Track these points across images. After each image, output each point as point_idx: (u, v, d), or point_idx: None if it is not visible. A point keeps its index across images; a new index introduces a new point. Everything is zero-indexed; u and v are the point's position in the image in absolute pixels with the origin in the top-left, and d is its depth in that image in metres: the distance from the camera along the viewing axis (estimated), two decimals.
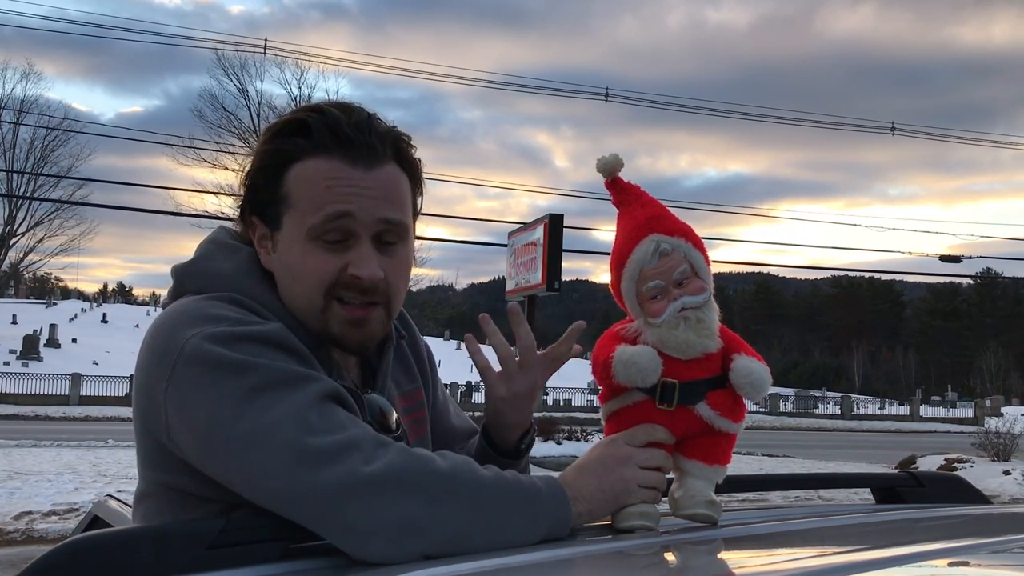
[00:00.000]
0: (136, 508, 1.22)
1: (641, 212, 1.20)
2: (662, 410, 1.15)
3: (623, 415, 1.19)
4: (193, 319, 1.11)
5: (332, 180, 1.17)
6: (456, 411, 1.55)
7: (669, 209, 1.22)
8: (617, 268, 1.20)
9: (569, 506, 1.09)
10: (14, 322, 59.03)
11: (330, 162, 1.17)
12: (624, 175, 1.24)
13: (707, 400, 1.16)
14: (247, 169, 1.23)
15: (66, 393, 35.26)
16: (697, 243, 1.19)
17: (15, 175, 44.94)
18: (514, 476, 1.08)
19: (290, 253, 1.19)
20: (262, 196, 1.21)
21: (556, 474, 1.16)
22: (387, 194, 1.19)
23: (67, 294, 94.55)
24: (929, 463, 15.95)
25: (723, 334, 1.18)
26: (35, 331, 51.35)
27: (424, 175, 1.29)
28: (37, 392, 35.31)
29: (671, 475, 1.21)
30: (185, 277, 1.23)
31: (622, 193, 1.23)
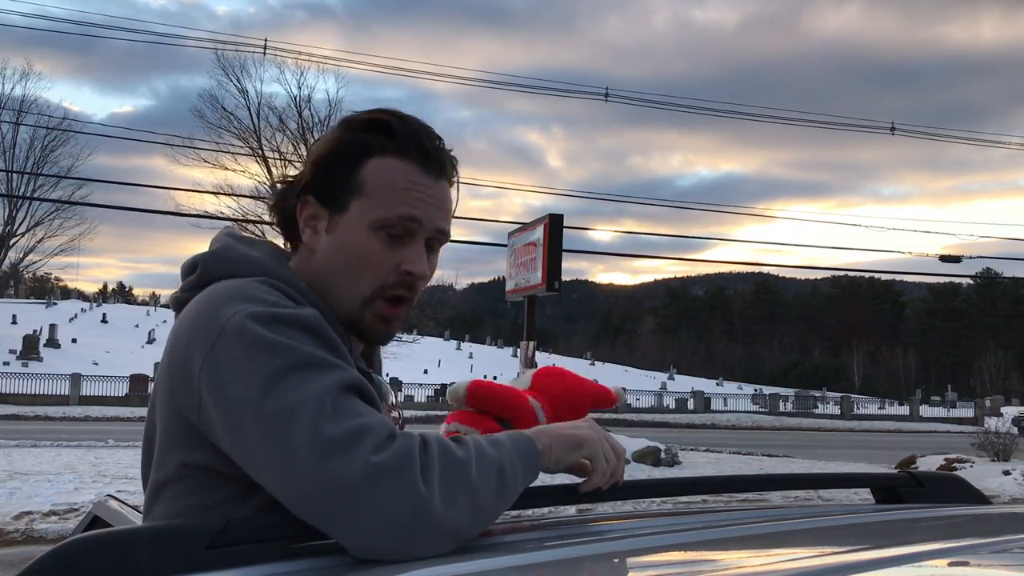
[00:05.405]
0: (155, 498, 1.20)
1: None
2: None
3: None
4: (235, 297, 1.14)
5: (411, 183, 1.25)
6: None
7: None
8: None
9: (535, 442, 1.14)
10: (14, 322, 59.06)
11: (409, 166, 1.25)
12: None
13: None
14: (318, 152, 1.28)
15: (66, 393, 35.28)
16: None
17: (15, 175, 44.97)
18: (505, 440, 1.12)
19: (349, 236, 1.25)
20: (332, 180, 1.26)
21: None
22: (446, 207, 1.30)
23: (67, 294, 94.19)
24: (929, 463, 15.95)
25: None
26: (35, 331, 51.40)
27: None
28: (37, 392, 35.33)
29: None
30: (212, 264, 1.25)
31: (480, 402, 1.36)
